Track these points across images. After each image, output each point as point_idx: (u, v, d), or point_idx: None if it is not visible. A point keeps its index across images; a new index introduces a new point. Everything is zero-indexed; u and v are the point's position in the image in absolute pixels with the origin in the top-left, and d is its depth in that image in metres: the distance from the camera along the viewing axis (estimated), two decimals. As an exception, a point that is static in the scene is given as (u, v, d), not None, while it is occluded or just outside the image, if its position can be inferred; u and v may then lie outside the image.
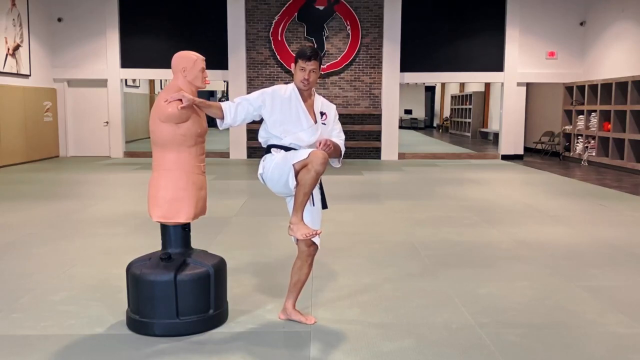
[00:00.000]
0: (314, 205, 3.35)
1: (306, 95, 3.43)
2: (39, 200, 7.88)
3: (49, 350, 3.13)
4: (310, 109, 3.43)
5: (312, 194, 3.29)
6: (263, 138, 3.45)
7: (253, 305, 3.80)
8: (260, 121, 3.47)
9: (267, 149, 3.42)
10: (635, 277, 4.51)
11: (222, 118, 3.35)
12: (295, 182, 3.18)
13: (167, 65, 3.55)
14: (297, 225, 3.22)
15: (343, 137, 3.52)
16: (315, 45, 13.80)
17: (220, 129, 3.49)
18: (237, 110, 3.36)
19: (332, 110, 3.52)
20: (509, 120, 14.56)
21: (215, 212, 6.00)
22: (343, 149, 3.47)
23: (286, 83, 3.49)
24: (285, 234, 5.46)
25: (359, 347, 3.17)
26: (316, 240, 3.34)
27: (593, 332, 3.43)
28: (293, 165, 3.19)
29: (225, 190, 8.92)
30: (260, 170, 3.40)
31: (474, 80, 17.17)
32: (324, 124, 3.44)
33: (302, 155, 3.19)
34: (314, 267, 3.51)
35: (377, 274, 4.55)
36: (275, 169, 3.28)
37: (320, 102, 3.50)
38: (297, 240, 3.36)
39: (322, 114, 3.45)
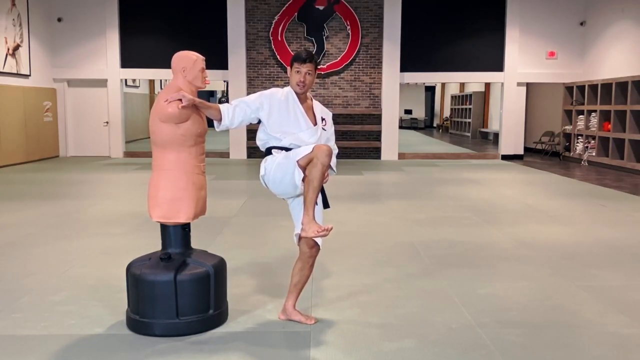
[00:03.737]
0: (316, 204, 3.34)
1: (303, 99, 3.44)
2: (39, 200, 7.87)
3: (49, 350, 3.13)
4: (309, 111, 3.44)
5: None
6: (261, 140, 3.44)
7: (253, 305, 3.80)
8: (257, 124, 3.46)
9: (267, 152, 3.41)
10: (635, 277, 4.52)
11: (220, 120, 3.35)
12: (302, 176, 3.17)
13: (167, 65, 3.55)
14: (308, 224, 3.19)
15: (336, 150, 3.54)
16: (315, 45, 13.83)
17: (217, 130, 3.48)
18: (234, 112, 3.35)
19: (329, 117, 3.57)
20: (509, 120, 14.56)
21: (215, 212, 6.00)
22: (335, 160, 3.46)
23: (286, 84, 3.49)
24: (285, 234, 5.48)
25: (359, 347, 3.17)
26: (319, 241, 3.33)
27: (593, 332, 3.43)
28: (297, 161, 3.18)
29: (225, 190, 8.91)
30: (261, 172, 3.39)
31: (474, 80, 17.16)
32: (324, 129, 3.45)
33: (305, 150, 3.19)
34: (314, 267, 3.51)
35: (377, 274, 4.55)
36: (278, 169, 3.27)
37: (319, 107, 3.52)
38: (299, 241, 3.36)
39: (322, 119, 3.47)
